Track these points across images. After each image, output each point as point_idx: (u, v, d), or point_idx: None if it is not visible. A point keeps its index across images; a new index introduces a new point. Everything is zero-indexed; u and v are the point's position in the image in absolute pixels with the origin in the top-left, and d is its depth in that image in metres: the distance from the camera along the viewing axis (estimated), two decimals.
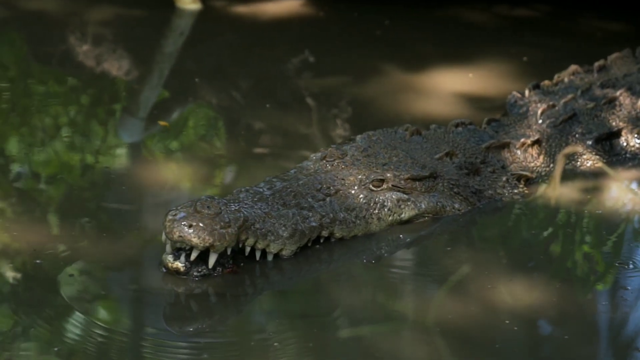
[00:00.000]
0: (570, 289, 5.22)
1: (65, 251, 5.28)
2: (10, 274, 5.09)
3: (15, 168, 6.12)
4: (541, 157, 6.22)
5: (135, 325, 4.81)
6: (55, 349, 4.59)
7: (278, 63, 7.82)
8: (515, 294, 5.12)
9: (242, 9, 8.61)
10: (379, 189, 5.61)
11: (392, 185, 5.65)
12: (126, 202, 5.86)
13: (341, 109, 7.14)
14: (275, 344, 4.70)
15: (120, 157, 6.35)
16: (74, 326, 4.75)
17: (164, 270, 5.11)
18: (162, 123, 6.78)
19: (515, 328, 4.86)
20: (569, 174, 6.28)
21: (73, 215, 5.64)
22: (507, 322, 4.89)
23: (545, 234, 5.74)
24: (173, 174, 6.23)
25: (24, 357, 4.54)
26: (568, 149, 6.19)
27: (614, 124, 6.47)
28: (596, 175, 6.26)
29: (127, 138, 6.64)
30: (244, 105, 7.18)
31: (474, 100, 7.26)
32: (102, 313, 4.85)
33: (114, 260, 5.24)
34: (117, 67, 7.61)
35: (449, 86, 7.44)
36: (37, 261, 5.17)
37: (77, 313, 4.83)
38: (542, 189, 6.08)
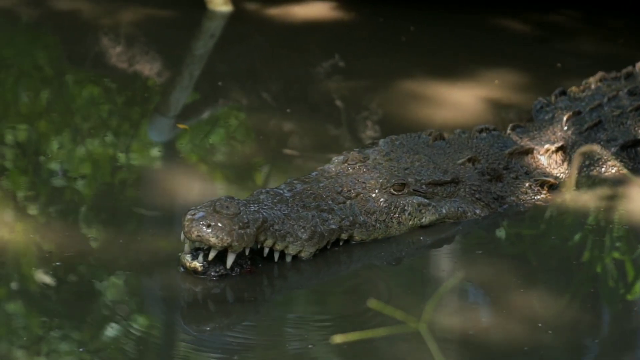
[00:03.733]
0: (602, 295, 5.20)
1: (89, 253, 5.31)
2: (39, 275, 5.13)
3: (48, 168, 6.17)
4: (565, 163, 6.19)
5: (153, 324, 4.83)
6: (81, 349, 4.62)
7: (308, 66, 7.84)
8: (547, 298, 5.10)
9: (273, 12, 8.63)
10: (400, 193, 5.61)
11: (413, 190, 5.65)
12: (154, 202, 5.89)
13: (370, 112, 7.15)
14: (310, 346, 4.70)
15: (150, 158, 6.39)
16: (97, 326, 4.77)
17: (182, 269, 5.13)
18: (181, 126, 6.82)
19: (550, 332, 4.84)
20: (595, 181, 6.25)
21: (102, 216, 5.67)
22: (540, 325, 4.88)
23: (573, 240, 5.71)
24: (202, 175, 6.25)
25: (51, 357, 4.57)
26: (584, 148, 6.15)
27: (639, 131, 6.43)
28: (621, 182, 6.22)
29: (157, 139, 6.68)
30: (274, 107, 7.20)
31: (500, 106, 7.24)
32: (123, 313, 4.87)
33: (139, 261, 5.26)
34: (148, 68, 7.66)
35: (475, 91, 7.43)
36: (58, 263, 5.21)
37: (99, 313, 4.86)
38: (565, 194, 6.06)
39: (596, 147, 6.23)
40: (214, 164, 6.40)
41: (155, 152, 6.48)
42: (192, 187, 6.08)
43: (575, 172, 6.09)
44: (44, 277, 5.10)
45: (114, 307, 4.90)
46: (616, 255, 5.56)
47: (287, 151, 6.60)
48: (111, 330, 4.76)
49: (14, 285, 5.06)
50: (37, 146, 6.41)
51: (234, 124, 7.00)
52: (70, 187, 5.95)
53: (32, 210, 5.66)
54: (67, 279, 5.09)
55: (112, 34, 8.12)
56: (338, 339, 4.65)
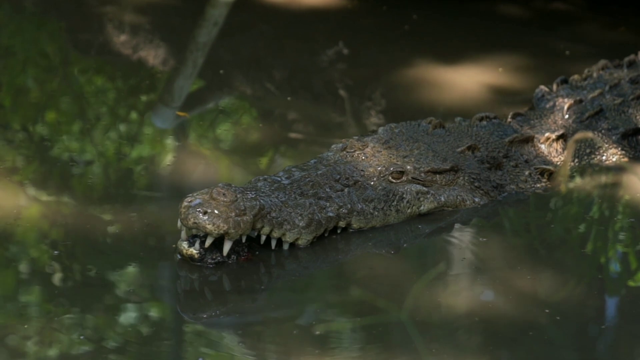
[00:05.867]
0: (609, 281, 5.20)
1: (89, 241, 5.32)
2: (40, 263, 5.14)
3: (54, 155, 6.19)
4: (566, 152, 6.18)
5: (151, 312, 4.84)
6: (81, 337, 4.63)
7: (311, 54, 7.84)
8: (554, 284, 5.10)
9: (276, 0, 8.63)
10: (398, 181, 5.61)
11: (412, 178, 5.64)
12: (157, 189, 5.90)
13: (374, 101, 7.15)
14: (317, 332, 4.70)
15: (154, 146, 6.40)
16: (96, 314, 4.78)
17: (179, 256, 5.14)
18: (180, 113, 6.82)
19: (557, 317, 4.84)
20: (596, 169, 6.23)
21: (105, 203, 5.68)
22: (547, 311, 4.88)
23: (576, 227, 5.71)
24: (206, 162, 6.26)
25: (49, 343, 4.59)
26: (579, 135, 6.14)
27: None
28: (622, 170, 6.21)
29: (161, 126, 6.70)
30: (278, 95, 7.20)
31: (504, 94, 7.23)
32: (122, 301, 4.88)
33: (138, 248, 5.28)
34: (153, 55, 7.67)
35: (479, 79, 7.41)
36: (55, 252, 5.22)
37: (98, 301, 4.87)
38: (559, 183, 6.05)
39: (590, 134, 6.21)
40: (217, 152, 6.41)
41: (159, 139, 6.49)
42: (196, 174, 6.09)
43: (569, 159, 6.08)
44: (46, 265, 5.11)
45: (111, 295, 4.92)
46: (619, 245, 5.55)
47: (291, 140, 6.60)
48: (110, 318, 4.77)
49: (18, 272, 5.07)
50: (43, 133, 6.42)
51: (238, 112, 7.00)
52: (75, 175, 5.97)
53: (38, 197, 5.68)
54: (66, 266, 5.10)
55: (117, 21, 8.13)
56: (320, 329, 4.67)
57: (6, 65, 7.35)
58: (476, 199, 5.77)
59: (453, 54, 7.82)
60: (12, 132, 6.41)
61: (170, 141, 6.50)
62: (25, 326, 4.65)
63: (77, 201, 5.66)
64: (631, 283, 5.21)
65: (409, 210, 5.62)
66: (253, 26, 8.24)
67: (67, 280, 5.01)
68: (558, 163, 6.12)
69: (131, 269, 5.11)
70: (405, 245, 5.48)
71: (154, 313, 4.82)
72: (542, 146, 6.13)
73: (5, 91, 6.99)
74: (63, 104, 6.86)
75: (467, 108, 6.94)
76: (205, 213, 4.99)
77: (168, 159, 6.26)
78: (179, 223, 5.08)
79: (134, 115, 6.79)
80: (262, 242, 5.23)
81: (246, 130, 6.69)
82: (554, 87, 6.67)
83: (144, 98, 7.04)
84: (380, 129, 5.94)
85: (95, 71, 7.37)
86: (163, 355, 4.54)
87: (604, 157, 6.29)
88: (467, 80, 7.42)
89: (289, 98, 7.13)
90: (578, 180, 6.12)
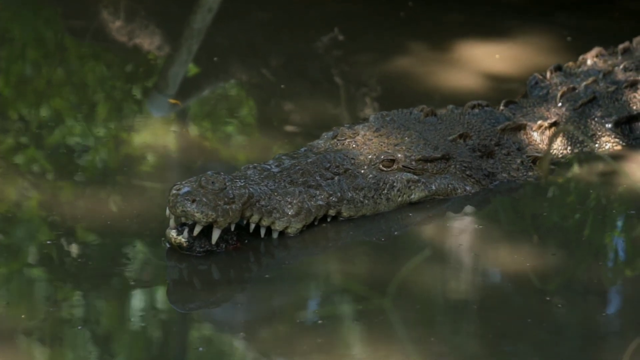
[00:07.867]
0: (609, 268, 5.20)
1: (83, 227, 5.33)
2: (37, 250, 5.15)
3: (50, 141, 6.18)
4: (559, 139, 6.16)
5: (142, 301, 4.84)
6: (79, 327, 4.63)
7: (307, 41, 7.82)
8: (553, 272, 5.10)
9: None
10: (389, 169, 5.59)
11: (403, 166, 5.63)
12: (149, 177, 5.90)
13: (370, 88, 7.13)
14: (320, 321, 4.70)
15: (149, 134, 6.40)
16: (90, 303, 4.79)
17: (168, 245, 5.13)
18: (172, 101, 6.82)
19: (559, 306, 4.83)
20: (589, 157, 6.22)
21: (102, 191, 5.68)
22: (548, 298, 4.88)
23: (572, 215, 5.70)
24: (198, 151, 6.25)
25: (46, 332, 4.59)
26: (560, 128, 6.13)
27: (634, 107, 6.39)
28: (614, 157, 6.20)
29: (156, 114, 6.69)
30: (273, 82, 7.19)
31: (501, 81, 7.20)
32: (114, 290, 4.89)
33: (130, 237, 5.28)
34: (148, 42, 7.66)
35: (475, 66, 7.39)
36: (48, 242, 5.22)
37: (93, 291, 4.87)
38: (558, 172, 6.04)
39: (570, 127, 6.20)
40: (210, 139, 6.40)
41: (154, 127, 6.48)
42: (188, 162, 6.09)
43: (549, 153, 6.07)
44: (42, 252, 5.12)
45: (105, 284, 4.92)
46: (616, 231, 5.55)
47: (287, 127, 6.60)
48: (104, 307, 4.77)
49: (16, 259, 5.08)
50: (40, 120, 6.42)
51: (233, 99, 6.99)
52: (73, 162, 5.97)
53: (35, 185, 5.68)
54: (62, 255, 5.11)
55: (112, 7, 8.12)
56: (311, 317, 4.67)
57: (3, 52, 7.35)
58: (467, 188, 5.76)
59: (449, 41, 7.80)
60: (9, 118, 6.41)
61: (163, 129, 6.50)
62: (23, 316, 4.65)
63: (72, 189, 5.66)
64: (628, 272, 5.21)
65: (399, 199, 5.61)
66: (248, 12, 8.22)
67: (63, 268, 5.02)
68: (551, 151, 6.11)
69: (122, 258, 5.11)
70: (396, 233, 5.47)
71: (145, 302, 4.82)
72: (535, 134, 6.11)
73: (3, 78, 7.00)
74: (59, 91, 6.86)
75: (464, 95, 6.92)
76: (193, 201, 4.99)
77: (161, 146, 6.25)
78: (167, 211, 5.08)
79: (129, 102, 6.79)
80: (251, 231, 5.22)
81: (240, 119, 6.68)
82: (548, 74, 6.65)
83: (139, 85, 7.04)
84: (371, 117, 5.93)
85: (91, 58, 7.36)
86: (158, 344, 4.55)
87: (596, 145, 6.27)
88: (463, 67, 7.40)
89: (282, 86, 7.12)
90: (575, 168, 6.11)
